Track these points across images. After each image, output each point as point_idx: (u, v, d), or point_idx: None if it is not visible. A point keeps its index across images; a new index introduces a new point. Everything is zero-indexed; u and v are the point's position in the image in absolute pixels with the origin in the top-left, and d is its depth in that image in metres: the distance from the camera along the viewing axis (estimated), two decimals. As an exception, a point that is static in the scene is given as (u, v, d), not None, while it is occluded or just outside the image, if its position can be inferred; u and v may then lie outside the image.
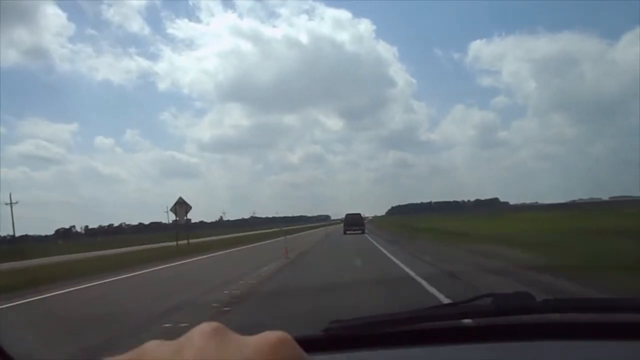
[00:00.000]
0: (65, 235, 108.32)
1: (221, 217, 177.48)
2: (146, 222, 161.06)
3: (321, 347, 1.19)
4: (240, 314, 5.97)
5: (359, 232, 33.85)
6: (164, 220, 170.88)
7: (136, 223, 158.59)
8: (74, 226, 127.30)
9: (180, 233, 24.16)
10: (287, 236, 37.32)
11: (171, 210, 23.12)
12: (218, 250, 21.17)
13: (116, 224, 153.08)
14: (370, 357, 1.21)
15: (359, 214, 39.77)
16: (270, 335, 0.38)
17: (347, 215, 39.22)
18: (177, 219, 23.10)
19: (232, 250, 21.80)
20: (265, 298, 7.54)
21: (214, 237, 38.40)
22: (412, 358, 1.23)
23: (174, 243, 23.50)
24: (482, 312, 1.29)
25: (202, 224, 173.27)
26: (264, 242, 27.83)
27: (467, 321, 1.30)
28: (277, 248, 17.67)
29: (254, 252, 19.78)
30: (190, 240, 25.41)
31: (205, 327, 0.37)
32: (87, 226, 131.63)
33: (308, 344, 1.05)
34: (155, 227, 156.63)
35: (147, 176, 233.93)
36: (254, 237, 37.28)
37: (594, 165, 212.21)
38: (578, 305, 1.37)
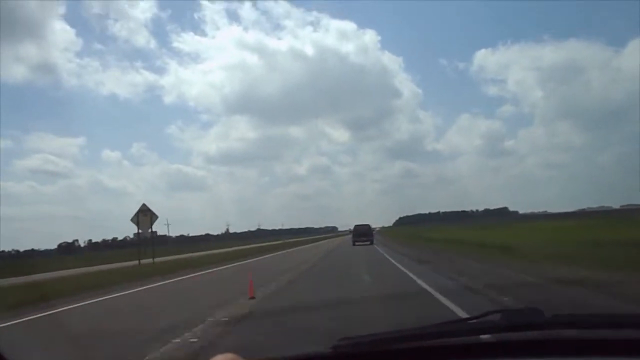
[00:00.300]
0: (67, 250, 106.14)
1: (227, 229, 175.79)
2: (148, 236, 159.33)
3: None
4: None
5: (368, 243, 34.22)
6: (167, 233, 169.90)
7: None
8: (77, 240, 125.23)
9: (154, 248, 21.28)
10: (284, 251, 34.04)
11: (132, 220, 19.73)
12: (177, 275, 16.41)
13: (121, 237, 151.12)
14: None
15: (368, 225, 39.64)
16: None
17: (356, 226, 38.98)
18: (140, 231, 19.85)
19: (193, 275, 16.63)
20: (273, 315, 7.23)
21: (192, 254, 34.19)
22: None
23: (146, 261, 20.48)
24: (493, 328, 1.28)
25: (207, 236, 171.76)
26: (248, 260, 24.04)
27: (477, 337, 1.27)
28: (257, 272, 14.71)
29: (217, 281, 14.91)
30: (165, 258, 22.51)
31: (221, 358, 0.34)
32: (90, 240, 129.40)
33: None
34: (158, 240, 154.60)
35: (154, 189, 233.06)
36: (243, 252, 33.44)
37: (602, 173, 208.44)
38: (588, 321, 1.34)
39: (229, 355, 0.36)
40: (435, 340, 1.25)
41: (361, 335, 1.25)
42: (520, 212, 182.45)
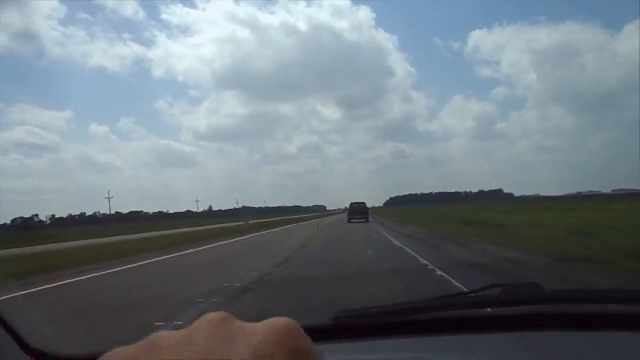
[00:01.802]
0: (24, 226, 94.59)
1: (210, 207, 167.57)
2: (125, 212, 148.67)
3: (329, 336, 1.18)
4: None
5: (364, 220, 34.55)
6: (146, 210, 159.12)
7: (113, 212, 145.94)
8: (37, 215, 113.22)
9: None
10: (233, 240, 21.28)
11: None
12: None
13: (94, 212, 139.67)
14: (379, 346, 1.19)
15: (364, 203, 39.66)
16: (276, 322, 0.39)
17: (352, 204, 39.30)
18: None
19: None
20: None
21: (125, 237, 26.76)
22: (421, 348, 1.21)
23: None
24: (493, 302, 1.27)
25: (188, 213, 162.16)
26: (170, 256, 14.68)
27: (477, 311, 1.26)
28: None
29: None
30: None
31: (212, 316, 0.38)
32: (53, 215, 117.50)
33: (316, 332, 1.14)
34: (134, 216, 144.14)
35: (143, 165, 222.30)
36: (190, 237, 23.88)
37: (594, 158, 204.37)
38: (588, 296, 1.36)
39: (221, 313, 0.39)
40: (435, 314, 1.24)
41: (361, 308, 1.25)
42: (515, 194, 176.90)
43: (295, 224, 43.37)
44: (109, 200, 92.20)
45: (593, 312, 1.23)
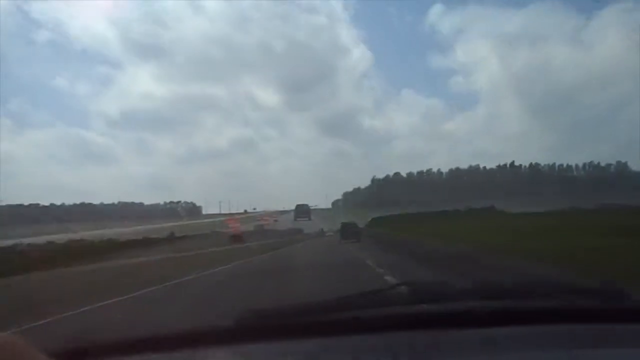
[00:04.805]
0: None
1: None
2: None
3: (232, 338, 1.15)
4: None
5: (356, 242, 31.14)
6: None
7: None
8: None
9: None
10: None
11: None
12: None
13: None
14: (282, 348, 1.16)
15: (354, 223, 37.52)
16: None
17: (343, 224, 37.19)
18: None
19: None
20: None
21: None
22: (325, 348, 1.17)
23: None
24: (400, 300, 1.29)
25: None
26: None
27: (382, 309, 1.26)
28: None
29: None
30: None
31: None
32: None
33: (218, 335, 1.14)
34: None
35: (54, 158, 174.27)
36: None
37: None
38: (495, 292, 1.36)
39: (5, 337, 0.34)
40: (342, 313, 1.23)
41: (266, 308, 1.23)
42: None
43: None
44: None
45: (501, 308, 1.23)
